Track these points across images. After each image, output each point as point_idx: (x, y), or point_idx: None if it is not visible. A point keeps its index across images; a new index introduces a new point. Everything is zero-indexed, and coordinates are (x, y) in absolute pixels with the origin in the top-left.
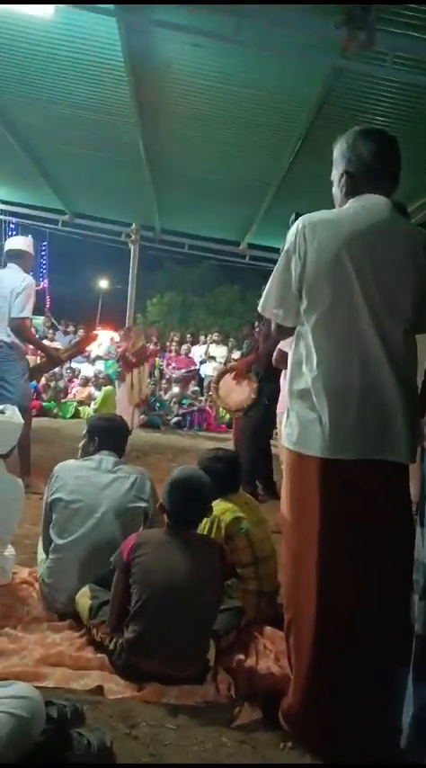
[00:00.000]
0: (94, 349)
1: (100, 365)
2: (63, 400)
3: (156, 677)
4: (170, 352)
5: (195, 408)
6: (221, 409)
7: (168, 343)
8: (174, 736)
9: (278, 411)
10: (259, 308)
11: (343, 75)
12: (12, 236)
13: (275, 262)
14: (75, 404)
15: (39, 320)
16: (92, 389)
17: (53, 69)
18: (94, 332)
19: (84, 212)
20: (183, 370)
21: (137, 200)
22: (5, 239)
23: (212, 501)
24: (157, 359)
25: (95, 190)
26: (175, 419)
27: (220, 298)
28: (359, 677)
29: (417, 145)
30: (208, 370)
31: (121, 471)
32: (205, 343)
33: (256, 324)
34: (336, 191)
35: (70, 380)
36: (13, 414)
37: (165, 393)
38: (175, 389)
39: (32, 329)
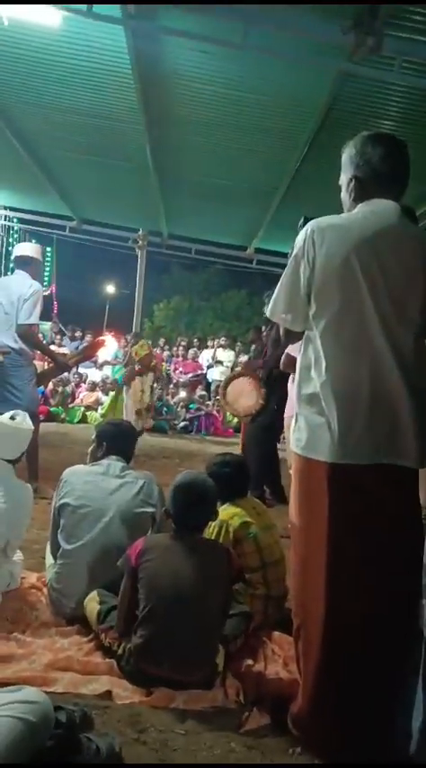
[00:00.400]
0: (102, 354)
1: (107, 370)
2: (70, 405)
3: (165, 682)
4: (177, 356)
5: (202, 413)
6: (228, 414)
7: (175, 348)
8: (183, 741)
9: (286, 416)
10: (267, 313)
11: (351, 80)
12: (20, 242)
13: (282, 266)
14: (82, 409)
15: (47, 326)
16: (99, 394)
17: (61, 77)
18: (102, 337)
19: (91, 218)
20: (190, 375)
21: (145, 206)
22: (13, 245)
23: (217, 505)
24: (165, 364)
25: (103, 196)
26: (182, 423)
27: (227, 302)
28: (368, 682)
29: (425, 149)
30: (215, 374)
31: (129, 476)
32: (212, 347)
33: (263, 328)
34: (345, 195)
35: (77, 385)
36: (23, 420)
37: (173, 397)
38: (182, 394)
39: (40, 335)
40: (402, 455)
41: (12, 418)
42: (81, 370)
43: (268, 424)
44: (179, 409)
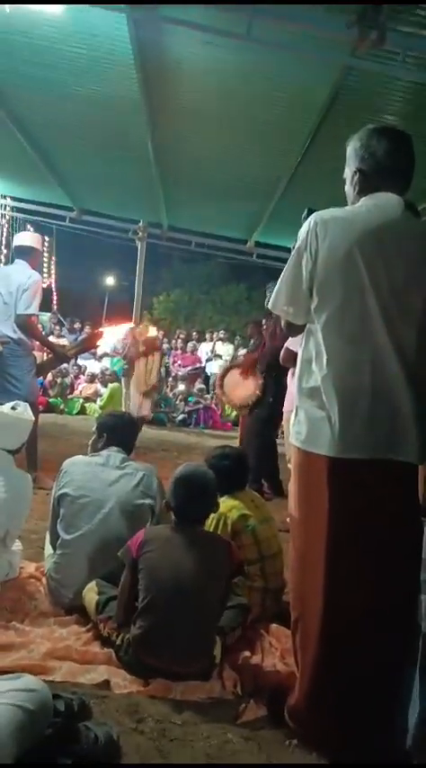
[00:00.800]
0: (101, 346)
1: (106, 362)
2: (69, 396)
3: (163, 673)
4: (176, 349)
5: (201, 406)
6: (227, 407)
7: (174, 341)
8: (180, 731)
9: (285, 409)
10: (269, 305)
11: (354, 74)
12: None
13: (282, 260)
14: (81, 400)
15: (45, 317)
16: (98, 386)
17: (62, 66)
18: (101, 329)
19: (91, 209)
20: (189, 368)
21: (145, 198)
22: (13, 235)
23: (217, 497)
24: (164, 356)
25: (103, 186)
26: (181, 417)
27: (227, 296)
28: (365, 676)
29: None
30: (214, 367)
31: (129, 468)
32: (211, 340)
33: (264, 321)
34: (349, 188)
35: (76, 377)
36: (24, 410)
37: (171, 390)
38: (181, 387)
39: (39, 326)
40: (402, 450)
41: (13, 409)
42: (80, 361)
43: (266, 417)
44: (177, 402)
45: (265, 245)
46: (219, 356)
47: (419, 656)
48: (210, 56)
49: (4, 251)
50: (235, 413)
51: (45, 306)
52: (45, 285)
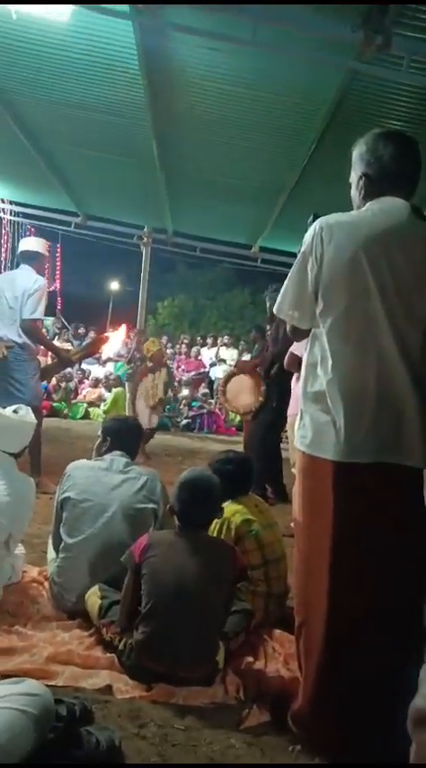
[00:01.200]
0: (105, 351)
1: (110, 367)
2: (73, 401)
3: (165, 678)
4: (180, 354)
5: (205, 411)
6: (230, 412)
7: (178, 346)
8: (183, 736)
9: (290, 413)
10: (274, 309)
11: (359, 79)
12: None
13: (287, 265)
14: (85, 405)
15: (49, 321)
16: (102, 390)
17: (68, 72)
18: (105, 334)
19: (96, 214)
20: (193, 373)
21: (150, 203)
22: (19, 241)
23: (222, 502)
24: (170, 370)
25: (108, 192)
26: (185, 421)
27: (231, 301)
28: (369, 681)
29: None
30: (218, 372)
31: (132, 472)
32: (214, 345)
33: (268, 327)
34: (354, 193)
35: (80, 381)
36: (26, 414)
37: (175, 395)
38: (185, 392)
39: (44, 330)
40: (407, 455)
41: (15, 412)
42: (84, 366)
43: (270, 421)
44: (181, 407)
45: (270, 251)
46: (224, 361)
47: (424, 660)
48: (215, 61)
49: (9, 256)
50: (238, 418)
51: (49, 310)
52: (50, 290)
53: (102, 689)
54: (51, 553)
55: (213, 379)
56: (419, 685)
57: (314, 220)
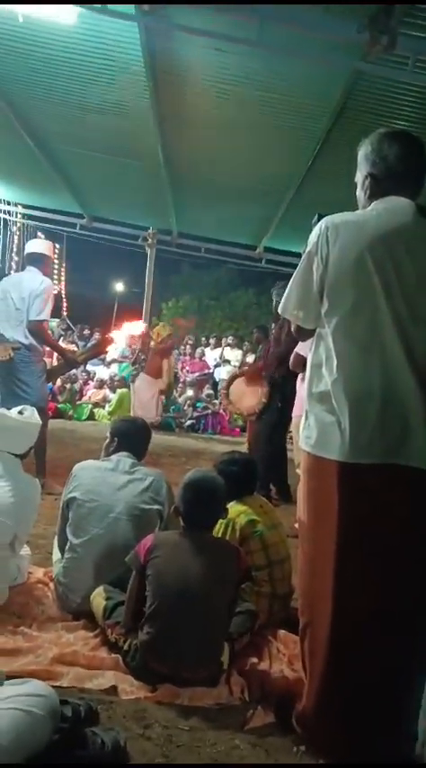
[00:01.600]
0: (110, 351)
1: (115, 368)
2: (78, 402)
3: (170, 679)
4: (184, 355)
5: (209, 412)
6: (234, 413)
7: (183, 347)
8: (187, 737)
9: (295, 414)
10: (279, 310)
11: (364, 79)
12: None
13: (291, 266)
14: (89, 406)
15: (54, 322)
16: (107, 392)
17: (75, 74)
18: (110, 335)
19: (102, 216)
20: (197, 374)
21: (155, 204)
22: (25, 243)
23: (227, 503)
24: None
25: (113, 193)
26: (189, 422)
27: (236, 302)
28: (374, 682)
29: None
30: (222, 373)
31: (138, 473)
32: (218, 346)
33: (273, 326)
34: (360, 193)
35: (85, 383)
36: (32, 414)
37: (180, 396)
38: (189, 392)
39: (49, 332)
40: (412, 456)
41: (20, 413)
42: (89, 367)
43: (274, 422)
44: (186, 408)
45: (274, 251)
46: (228, 361)
47: None
48: (220, 62)
49: (15, 258)
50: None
51: (55, 312)
52: (55, 291)
53: (107, 690)
54: (56, 554)
55: (217, 380)
56: None
57: (318, 220)
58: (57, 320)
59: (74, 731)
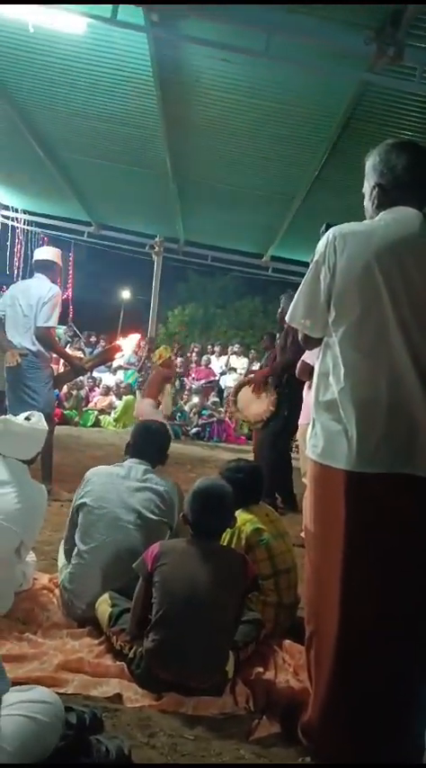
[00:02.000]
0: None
1: (121, 375)
2: (84, 409)
3: (175, 687)
4: (190, 362)
5: (215, 419)
6: (240, 421)
7: (189, 354)
8: (192, 746)
9: (301, 423)
10: (286, 318)
11: (371, 90)
12: (39, 246)
13: (298, 274)
14: (95, 413)
15: (61, 329)
16: (113, 398)
17: (83, 84)
18: (118, 342)
19: (109, 224)
20: (203, 381)
21: (162, 212)
22: (32, 249)
23: (235, 512)
24: (178, 369)
25: (121, 202)
26: (195, 430)
27: (242, 310)
28: (381, 692)
29: None
30: (228, 381)
31: (149, 481)
32: (224, 354)
33: (277, 335)
34: (367, 203)
35: (91, 389)
36: (38, 420)
37: (186, 403)
38: (195, 400)
39: (56, 338)
40: (420, 465)
41: (27, 419)
42: (95, 374)
43: (279, 430)
44: (191, 415)
45: (281, 260)
46: (234, 369)
47: None
48: (228, 72)
49: (20, 265)
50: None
51: (62, 319)
52: (62, 298)
53: (112, 697)
54: (62, 560)
55: (223, 387)
56: None
57: (326, 230)
58: (65, 327)
59: (78, 738)
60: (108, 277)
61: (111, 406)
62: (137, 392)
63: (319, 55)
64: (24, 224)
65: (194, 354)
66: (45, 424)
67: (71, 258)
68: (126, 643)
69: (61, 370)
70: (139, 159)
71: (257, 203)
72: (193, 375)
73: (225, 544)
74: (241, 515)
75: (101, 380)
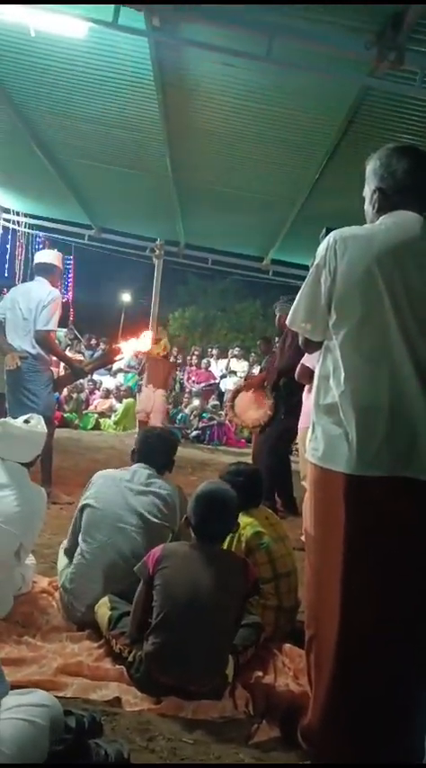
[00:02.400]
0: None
1: (121, 378)
2: (84, 412)
3: (174, 691)
4: (191, 365)
5: (215, 422)
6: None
7: (189, 357)
8: (191, 750)
9: (301, 426)
10: (287, 322)
11: (372, 94)
12: (39, 249)
13: (298, 278)
14: (95, 415)
15: (61, 333)
16: (113, 401)
17: (84, 88)
18: (118, 345)
19: (110, 227)
20: (203, 384)
21: (163, 216)
22: (33, 252)
23: (238, 516)
24: (178, 372)
25: (122, 205)
26: (195, 433)
27: (242, 313)
28: (381, 696)
29: None
30: (228, 384)
31: (154, 485)
32: (224, 357)
33: (276, 339)
34: (368, 207)
35: (91, 392)
36: (38, 423)
37: (186, 406)
38: (195, 403)
39: (57, 341)
40: (420, 468)
41: (26, 422)
42: (95, 377)
43: (278, 433)
44: (192, 418)
45: (281, 263)
46: (234, 372)
47: None
48: (229, 76)
49: (21, 268)
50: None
51: (62, 322)
52: (63, 301)
53: (111, 701)
54: (62, 562)
55: (223, 390)
56: None
57: (327, 234)
58: (65, 330)
59: (77, 742)
60: (108, 280)
61: (112, 409)
62: (138, 395)
63: (320, 59)
64: (25, 227)
65: (194, 357)
66: (44, 426)
67: (72, 261)
68: (125, 646)
69: (61, 373)
70: (140, 163)
71: (258, 207)
72: (193, 378)
73: (225, 547)
74: (241, 519)
75: (101, 383)
